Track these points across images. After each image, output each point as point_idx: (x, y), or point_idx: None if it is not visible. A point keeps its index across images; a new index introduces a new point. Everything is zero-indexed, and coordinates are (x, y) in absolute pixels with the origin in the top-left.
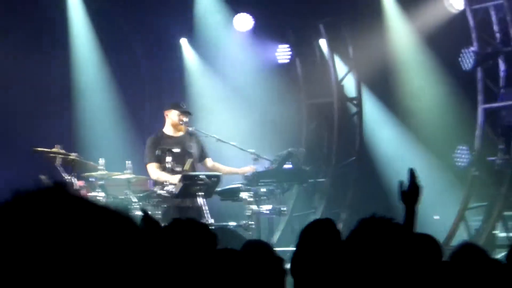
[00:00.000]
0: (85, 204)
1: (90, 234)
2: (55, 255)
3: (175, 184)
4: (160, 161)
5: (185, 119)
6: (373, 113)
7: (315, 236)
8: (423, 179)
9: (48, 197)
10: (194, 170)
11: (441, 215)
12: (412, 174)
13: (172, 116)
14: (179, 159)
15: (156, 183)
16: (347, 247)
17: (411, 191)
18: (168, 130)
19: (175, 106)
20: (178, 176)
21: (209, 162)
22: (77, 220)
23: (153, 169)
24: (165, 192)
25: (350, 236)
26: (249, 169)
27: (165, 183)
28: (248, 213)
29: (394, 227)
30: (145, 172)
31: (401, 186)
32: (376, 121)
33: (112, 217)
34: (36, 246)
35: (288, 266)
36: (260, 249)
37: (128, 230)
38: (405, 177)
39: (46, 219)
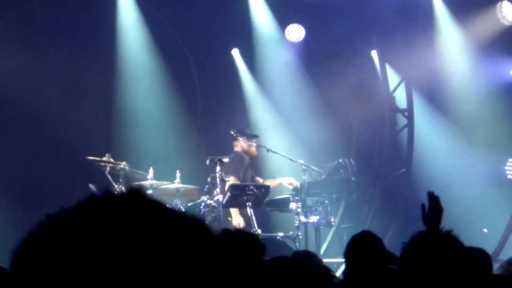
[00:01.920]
0: (164, 210)
1: (171, 240)
2: (135, 261)
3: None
4: (211, 170)
5: (254, 142)
6: (424, 125)
7: (361, 250)
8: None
9: (127, 202)
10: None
11: (490, 228)
12: (431, 197)
13: (241, 144)
14: (228, 169)
15: (205, 192)
16: (404, 260)
17: (431, 214)
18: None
19: (242, 135)
20: (239, 220)
21: (259, 180)
22: (157, 225)
23: (232, 210)
24: (213, 201)
25: (408, 249)
26: (289, 180)
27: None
28: (296, 223)
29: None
30: (193, 181)
31: (423, 209)
32: (427, 133)
33: (192, 224)
34: (116, 252)
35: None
36: (307, 260)
37: (207, 238)
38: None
39: (127, 225)
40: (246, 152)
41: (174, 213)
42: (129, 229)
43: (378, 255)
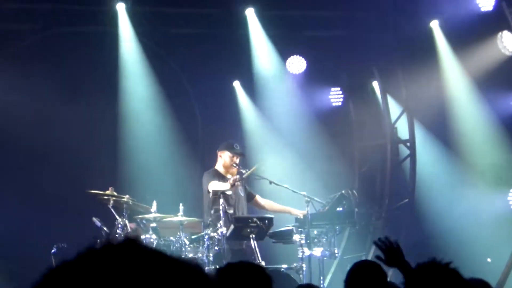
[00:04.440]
0: (160, 258)
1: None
2: None
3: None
4: (214, 203)
5: (237, 161)
6: (426, 155)
7: (362, 279)
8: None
9: (122, 253)
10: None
11: (494, 258)
12: (376, 245)
13: (225, 157)
14: (231, 201)
15: (208, 225)
16: None
17: (388, 256)
18: (220, 170)
19: (229, 148)
20: (228, 184)
21: (260, 200)
22: (153, 276)
23: (212, 184)
24: (217, 234)
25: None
26: (301, 212)
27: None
28: (300, 255)
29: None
30: (197, 215)
31: (379, 258)
32: (429, 163)
33: (186, 271)
34: None
35: None
36: None
37: (201, 284)
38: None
39: (123, 276)
40: (227, 168)
41: (171, 261)
42: (128, 282)
43: (379, 284)
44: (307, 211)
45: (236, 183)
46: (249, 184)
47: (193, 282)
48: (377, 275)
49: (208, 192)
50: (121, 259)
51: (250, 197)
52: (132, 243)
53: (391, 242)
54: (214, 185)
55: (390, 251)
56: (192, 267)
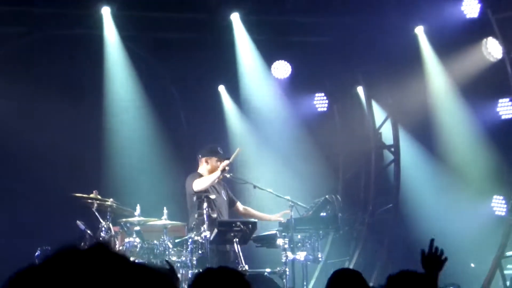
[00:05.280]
0: (127, 264)
1: None
2: None
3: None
4: (198, 207)
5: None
6: (410, 160)
7: (342, 286)
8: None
9: (91, 257)
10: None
11: (477, 263)
12: (431, 244)
13: (211, 162)
14: (214, 205)
15: (192, 229)
16: None
17: (430, 259)
18: (204, 174)
19: (214, 153)
20: (218, 172)
21: (240, 206)
22: (119, 281)
23: (197, 181)
24: (200, 238)
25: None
26: (280, 216)
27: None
28: (283, 259)
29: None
30: (181, 218)
31: (423, 254)
32: (414, 168)
33: (153, 278)
34: None
35: None
36: None
37: None
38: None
39: (88, 280)
40: (212, 172)
41: (137, 267)
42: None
43: None
44: (291, 216)
45: (226, 168)
46: (232, 189)
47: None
48: (358, 283)
49: (192, 194)
50: (87, 264)
51: (232, 203)
52: (101, 248)
53: (441, 252)
54: (200, 182)
55: (433, 256)
56: (158, 274)
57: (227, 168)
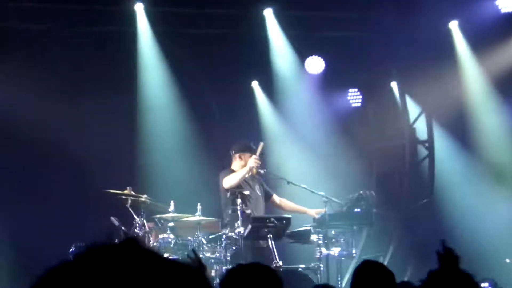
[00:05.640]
0: (158, 260)
1: None
2: None
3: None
4: (231, 203)
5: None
6: (444, 155)
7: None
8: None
9: (121, 252)
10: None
11: None
12: (444, 245)
13: (245, 158)
14: (248, 201)
15: (225, 225)
16: None
17: (445, 258)
18: (238, 170)
19: (249, 149)
20: (247, 167)
21: (276, 198)
22: (150, 278)
23: (227, 178)
24: (234, 234)
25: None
26: (315, 213)
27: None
28: (318, 255)
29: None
30: (215, 214)
31: (438, 254)
32: (448, 163)
33: (185, 274)
34: None
35: None
36: None
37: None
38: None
39: (119, 276)
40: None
41: (169, 263)
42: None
43: (385, 284)
44: (325, 211)
45: (257, 163)
46: (267, 184)
47: (188, 284)
48: (383, 275)
49: (226, 190)
50: (118, 260)
51: (267, 197)
52: (132, 243)
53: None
54: (230, 178)
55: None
56: (190, 270)
57: (258, 163)
